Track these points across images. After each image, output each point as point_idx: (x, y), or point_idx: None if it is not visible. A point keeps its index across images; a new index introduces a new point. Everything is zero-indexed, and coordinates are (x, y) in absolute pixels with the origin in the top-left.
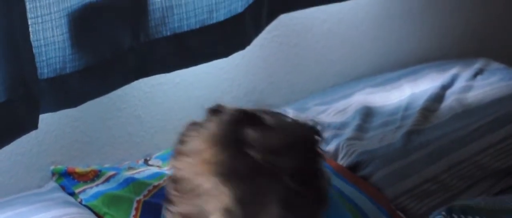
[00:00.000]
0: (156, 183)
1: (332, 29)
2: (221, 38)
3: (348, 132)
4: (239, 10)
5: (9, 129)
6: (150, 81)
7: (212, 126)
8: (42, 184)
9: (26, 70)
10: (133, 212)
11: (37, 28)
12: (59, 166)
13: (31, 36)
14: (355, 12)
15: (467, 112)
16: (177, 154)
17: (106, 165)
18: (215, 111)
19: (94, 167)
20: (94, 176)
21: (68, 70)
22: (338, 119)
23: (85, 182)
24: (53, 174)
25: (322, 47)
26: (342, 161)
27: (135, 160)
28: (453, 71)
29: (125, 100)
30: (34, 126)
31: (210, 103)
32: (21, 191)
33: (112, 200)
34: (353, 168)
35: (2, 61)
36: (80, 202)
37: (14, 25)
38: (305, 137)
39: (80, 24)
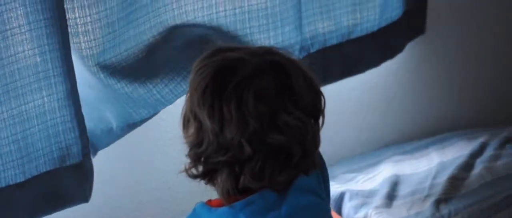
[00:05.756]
0: None
1: (360, 96)
2: None
3: (377, 200)
4: None
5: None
6: (178, 146)
7: None
8: None
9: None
10: None
11: None
12: None
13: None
14: (384, 79)
15: (496, 181)
16: None
17: None
18: None
19: None
20: None
21: None
22: (366, 187)
23: None
24: None
25: (351, 114)
26: None
27: None
28: (481, 139)
29: (154, 166)
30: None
31: None
32: None
33: None
34: None
35: (52, 131)
36: None
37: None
38: None
39: None
